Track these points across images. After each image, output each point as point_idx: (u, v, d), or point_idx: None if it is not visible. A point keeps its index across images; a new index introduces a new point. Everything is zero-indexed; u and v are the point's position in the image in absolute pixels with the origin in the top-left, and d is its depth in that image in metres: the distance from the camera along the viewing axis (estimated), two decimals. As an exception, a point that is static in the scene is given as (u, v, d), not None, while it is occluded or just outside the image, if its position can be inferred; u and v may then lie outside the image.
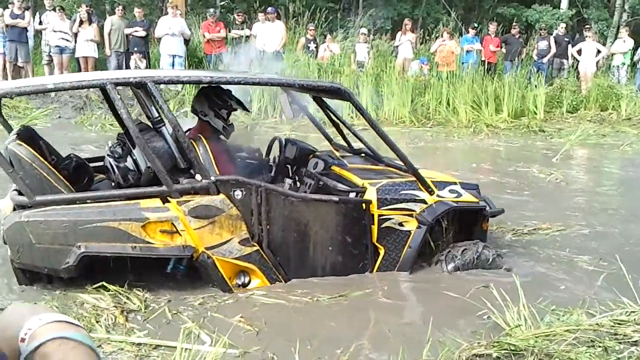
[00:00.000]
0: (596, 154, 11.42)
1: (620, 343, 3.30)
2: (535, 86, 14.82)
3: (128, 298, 4.18)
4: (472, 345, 3.42)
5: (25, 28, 13.40)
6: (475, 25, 16.38)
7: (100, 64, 13.87)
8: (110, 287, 4.22)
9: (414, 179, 4.81)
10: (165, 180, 4.16)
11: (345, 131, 5.56)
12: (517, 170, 9.67)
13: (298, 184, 5.26)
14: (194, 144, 4.46)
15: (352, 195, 4.72)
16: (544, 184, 8.73)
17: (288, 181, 4.98)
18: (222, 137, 5.00)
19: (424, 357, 3.32)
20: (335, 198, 4.59)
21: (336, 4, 21.53)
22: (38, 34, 14.09)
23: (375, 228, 4.69)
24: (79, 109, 12.79)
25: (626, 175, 9.76)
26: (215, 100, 4.92)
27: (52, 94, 12.51)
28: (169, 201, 4.19)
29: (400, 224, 4.74)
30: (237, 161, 5.04)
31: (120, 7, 14.26)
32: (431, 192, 4.81)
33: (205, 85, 4.78)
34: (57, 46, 13.30)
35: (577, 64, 15.97)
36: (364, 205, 4.63)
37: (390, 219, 4.71)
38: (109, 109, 5.75)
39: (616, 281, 4.47)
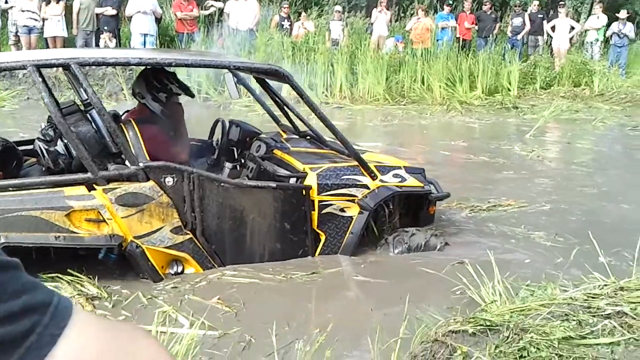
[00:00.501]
0: (569, 130, 11.32)
1: (593, 316, 3.24)
2: (510, 63, 14.63)
3: (82, 286, 3.99)
4: (448, 321, 3.37)
5: (-9, 7, 13.06)
6: (450, 2, 16.11)
7: (70, 43, 13.53)
8: (65, 276, 4.00)
9: (356, 163, 4.64)
10: (90, 166, 3.96)
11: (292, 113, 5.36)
12: (489, 146, 9.52)
13: (241, 167, 5.07)
14: (123, 127, 4.25)
15: (292, 180, 4.54)
16: (515, 160, 8.59)
17: (228, 165, 4.80)
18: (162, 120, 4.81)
19: (401, 334, 3.26)
20: (273, 184, 4.42)
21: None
22: (4, 13, 13.69)
23: (315, 214, 4.52)
24: (48, 89, 12.48)
25: (597, 151, 9.65)
26: (153, 82, 4.71)
27: (20, 74, 12.22)
28: (95, 189, 3.99)
29: (342, 210, 4.57)
30: (176, 146, 4.84)
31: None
32: (374, 177, 4.65)
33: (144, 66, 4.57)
34: (25, 26, 12.94)
35: (551, 40, 15.75)
36: (303, 191, 4.45)
37: (331, 204, 4.54)
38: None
39: (579, 256, 4.43)
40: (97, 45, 13.41)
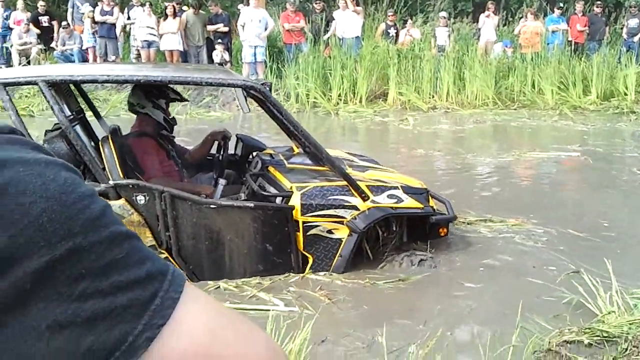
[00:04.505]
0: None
1: None
2: (626, 66, 13.24)
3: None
4: (562, 331, 3.23)
5: (114, 24, 13.58)
6: (561, 4, 14.87)
7: (188, 56, 13.84)
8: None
9: (346, 183, 4.16)
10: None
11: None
12: (604, 151, 8.75)
13: (241, 184, 4.74)
14: (100, 145, 4.05)
15: (278, 199, 4.16)
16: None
17: (222, 182, 4.48)
18: (164, 132, 4.59)
19: (513, 342, 3.07)
20: (251, 204, 4.06)
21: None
22: (125, 29, 14.22)
23: (300, 235, 4.10)
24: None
25: None
26: (151, 90, 4.51)
27: None
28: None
29: (329, 232, 4.13)
30: (176, 159, 4.61)
31: (194, 4, 14.03)
32: (364, 198, 4.15)
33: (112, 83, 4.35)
34: (144, 40, 13.38)
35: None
36: (284, 211, 4.05)
37: (317, 225, 4.11)
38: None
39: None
40: (210, 57, 13.61)
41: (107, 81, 3.96)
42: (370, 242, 4.37)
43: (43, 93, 3.79)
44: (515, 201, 6.16)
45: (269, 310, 3.58)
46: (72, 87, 4.82)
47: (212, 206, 4.01)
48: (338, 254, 4.15)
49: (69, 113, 4.25)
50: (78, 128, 4.21)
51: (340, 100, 13.04)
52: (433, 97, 13.15)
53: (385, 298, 4.00)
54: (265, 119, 10.26)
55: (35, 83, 3.82)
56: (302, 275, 4.17)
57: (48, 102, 3.81)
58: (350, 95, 13.14)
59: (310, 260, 4.18)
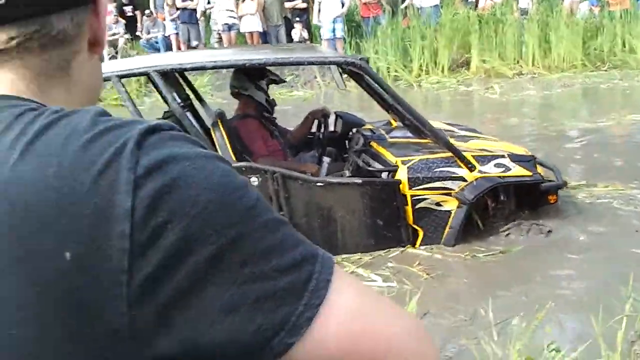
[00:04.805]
0: None
1: None
2: None
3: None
4: None
5: (195, 9, 13.80)
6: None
7: (268, 37, 13.93)
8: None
9: (451, 154, 4.15)
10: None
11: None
12: None
13: (343, 161, 4.79)
14: (211, 129, 4.17)
15: (384, 174, 4.19)
16: None
17: (326, 160, 4.54)
18: (266, 114, 4.70)
19: (627, 312, 2.92)
20: (359, 180, 4.10)
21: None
22: (205, 13, 14.40)
23: (409, 209, 4.13)
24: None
25: None
26: (252, 72, 4.62)
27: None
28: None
29: (438, 204, 4.13)
30: (280, 139, 4.71)
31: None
32: (471, 168, 4.13)
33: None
34: (225, 24, 13.55)
35: None
36: (392, 186, 4.08)
37: (425, 199, 4.12)
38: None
39: None
40: (289, 36, 13.66)
41: (214, 67, 4.07)
42: (478, 213, 4.34)
43: (154, 83, 3.93)
44: (616, 167, 5.96)
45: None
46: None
47: (322, 184, 4.08)
48: (448, 226, 4.15)
49: (179, 101, 4.40)
50: (189, 115, 4.35)
51: (422, 71, 12.84)
52: (518, 62, 12.75)
53: (487, 271, 3.96)
54: (349, 95, 10.41)
55: (147, 74, 3.97)
56: (402, 250, 4.20)
57: (160, 91, 3.95)
58: (431, 65, 12.91)
59: (421, 234, 4.20)
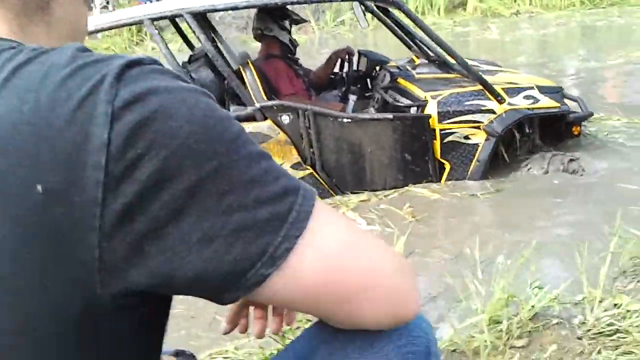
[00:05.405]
0: None
1: None
2: None
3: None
4: None
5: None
6: None
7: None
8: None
9: (480, 87, 4.20)
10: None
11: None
12: None
13: (368, 98, 4.83)
14: (242, 70, 4.19)
15: (413, 109, 4.24)
16: None
17: (352, 97, 4.59)
18: (289, 54, 4.72)
19: (611, 249, 2.86)
20: (390, 116, 4.14)
21: None
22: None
23: (437, 143, 4.19)
24: (242, 28, 12.80)
25: None
26: (275, 12, 4.62)
27: (216, 16, 12.58)
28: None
29: (467, 137, 4.20)
30: (304, 78, 4.73)
31: None
32: (501, 101, 4.19)
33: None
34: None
35: None
36: (422, 120, 4.14)
37: (454, 132, 4.19)
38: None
39: None
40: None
41: (247, 6, 4.05)
42: (504, 146, 4.41)
43: (189, 24, 3.92)
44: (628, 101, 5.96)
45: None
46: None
47: (351, 120, 4.13)
48: (475, 159, 4.21)
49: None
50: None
51: (418, 13, 12.72)
52: (515, 1, 12.70)
53: (479, 210, 3.92)
54: (342, 38, 10.30)
55: (180, 15, 3.96)
56: (402, 191, 4.19)
57: (194, 32, 3.94)
58: (427, 7, 12.82)
59: (447, 168, 4.26)
